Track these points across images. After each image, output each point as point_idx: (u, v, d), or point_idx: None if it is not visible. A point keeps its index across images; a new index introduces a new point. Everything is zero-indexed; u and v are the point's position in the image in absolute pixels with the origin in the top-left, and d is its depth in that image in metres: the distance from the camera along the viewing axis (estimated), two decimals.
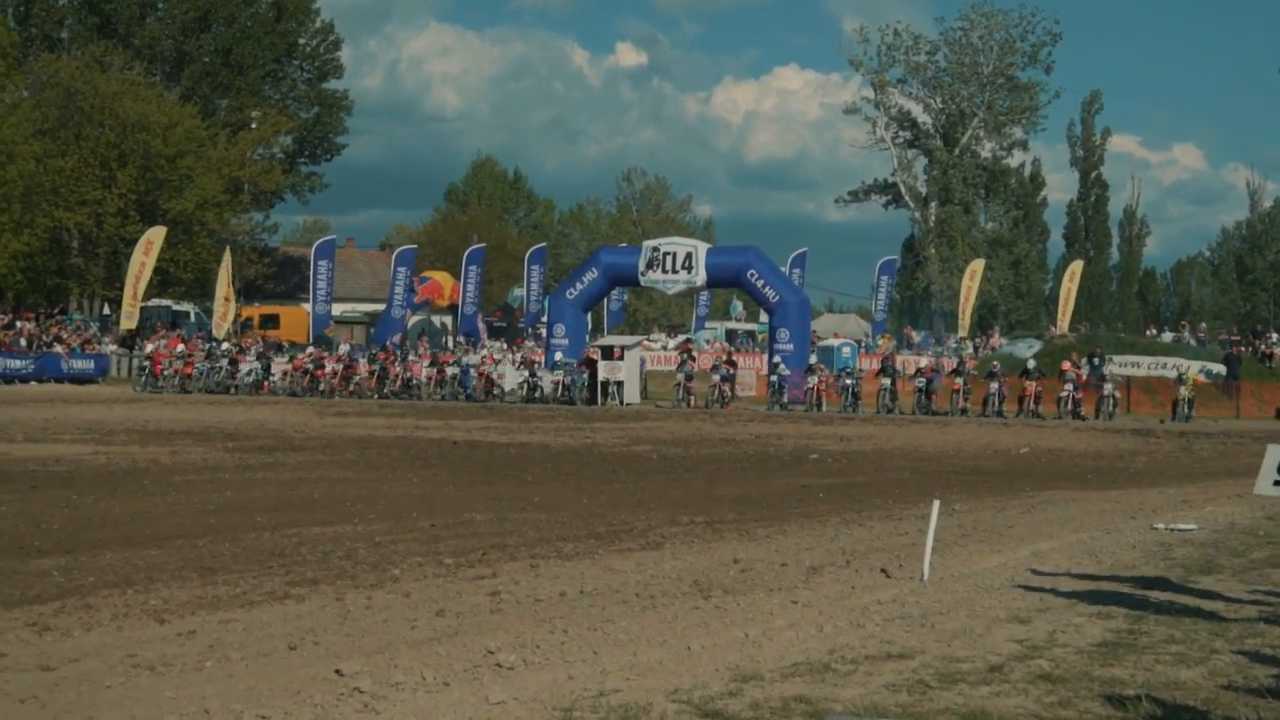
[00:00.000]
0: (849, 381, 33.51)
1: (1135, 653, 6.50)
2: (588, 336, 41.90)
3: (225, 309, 46.73)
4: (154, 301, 49.74)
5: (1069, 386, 31.24)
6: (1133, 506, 13.56)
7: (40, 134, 47.43)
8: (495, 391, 36.51)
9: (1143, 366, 39.47)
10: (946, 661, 6.28)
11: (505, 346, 46.68)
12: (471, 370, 37.25)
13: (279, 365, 38.95)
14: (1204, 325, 55.38)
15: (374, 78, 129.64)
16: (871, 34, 65.47)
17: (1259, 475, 7.76)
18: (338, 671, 6.03)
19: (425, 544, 10.40)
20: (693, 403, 34.35)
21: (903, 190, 65.30)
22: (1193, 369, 36.69)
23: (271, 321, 53.49)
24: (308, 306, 50.63)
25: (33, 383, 39.07)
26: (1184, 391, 31.67)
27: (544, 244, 61.90)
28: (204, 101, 57.22)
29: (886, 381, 33.06)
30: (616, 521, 12.05)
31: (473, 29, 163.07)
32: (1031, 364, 33.39)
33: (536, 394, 35.80)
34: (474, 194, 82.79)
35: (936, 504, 9.04)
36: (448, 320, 56.92)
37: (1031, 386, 31.30)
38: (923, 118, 66.06)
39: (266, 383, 37.68)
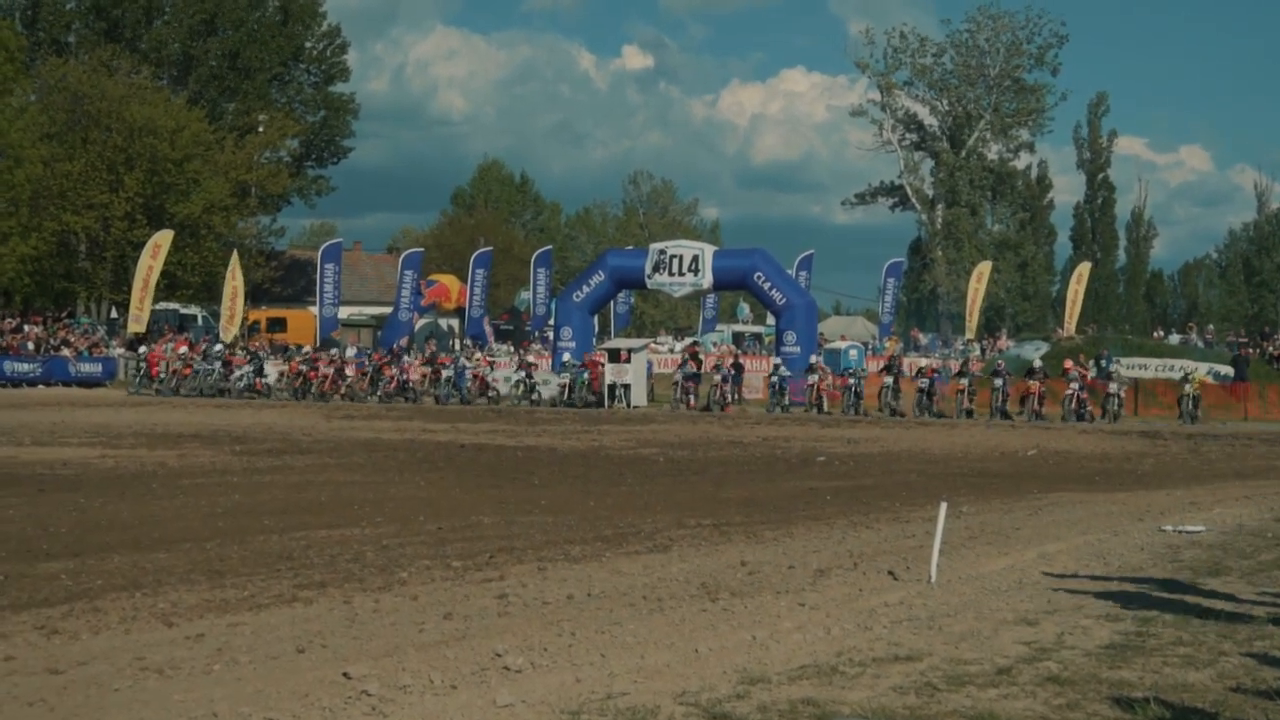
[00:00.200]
0: (851, 382, 33.48)
1: (1143, 655, 6.49)
2: (595, 339, 41.94)
3: (232, 312, 46.79)
4: (161, 305, 49.83)
5: (1074, 386, 31.20)
6: (1140, 508, 13.53)
7: (48, 138, 47.54)
8: (490, 393, 36.33)
9: (1150, 369, 39.42)
10: (954, 664, 6.27)
11: (512, 349, 46.71)
12: (466, 372, 37.10)
13: (275, 366, 38.87)
14: (1211, 327, 55.33)
15: (380, 81, 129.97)
16: (877, 36, 65.54)
17: None
18: (345, 674, 6.03)
19: (433, 547, 10.40)
20: (692, 403, 34.36)
21: (909, 192, 65.24)
22: (1200, 370, 36.62)
23: (279, 325, 53.59)
24: (315, 310, 50.71)
25: (40, 386, 39.20)
26: (1188, 389, 31.59)
27: (550, 247, 62.02)
28: (211, 105, 57.29)
29: (889, 380, 33.04)
30: (624, 524, 12.04)
31: (479, 32, 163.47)
32: (1037, 363, 33.40)
33: (534, 395, 35.61)
34: (481, 197, 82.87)
35: (944, 506, 9.03)
36: (454, 323, 57.03)
37: (1035, 386, 31.29)
38: (929, 120, 66.05)
39: (260, 382, 37.60)
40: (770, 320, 45.10)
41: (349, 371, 37.70)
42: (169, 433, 23.57)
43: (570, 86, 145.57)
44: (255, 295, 56.99)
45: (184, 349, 39.75)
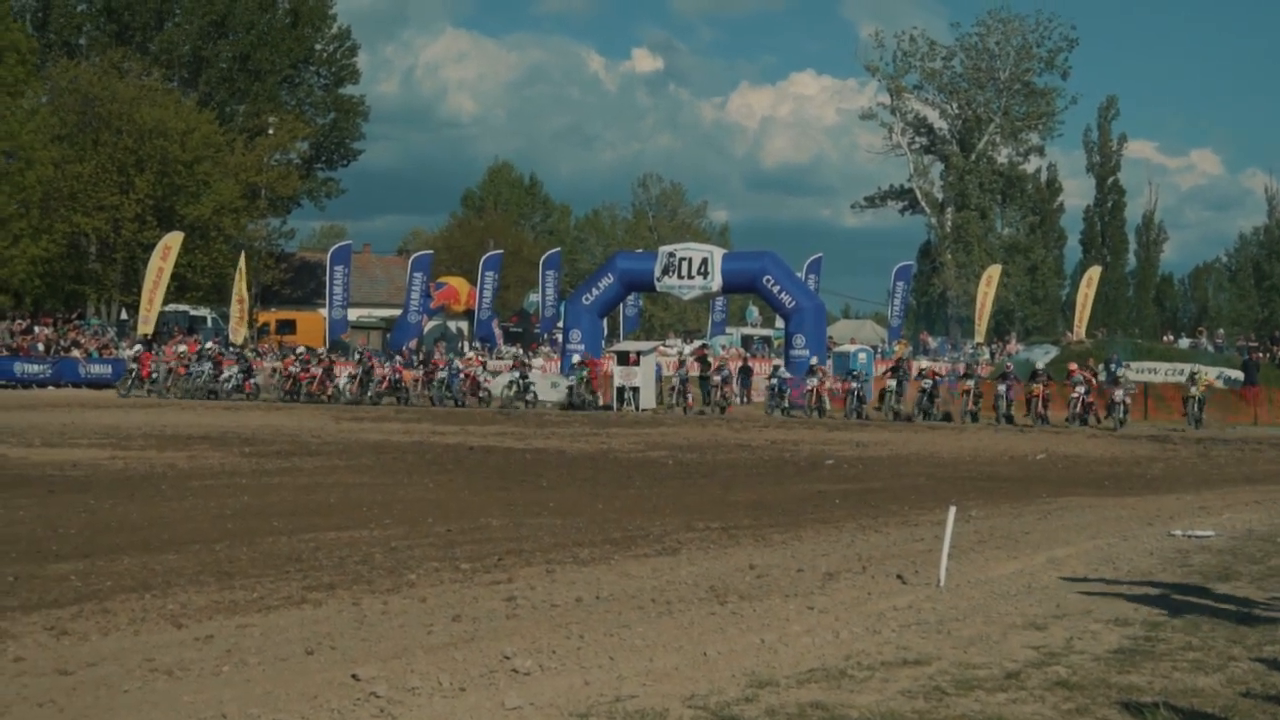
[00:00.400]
0: (855, 385, 33.43)
1: (1153, 659, 6.48)
2: (604, 342, 41.95)
3: (241, 314, 46.87)
4: (171, 306, 49.93)
5: (1079, 389, 31.14)
6: (1150, 513, 13.50)
7: (58, 140, 47.62)
8: (481, 394, 36.19)
9: (1160, 373, 39.32)
10: (963, 668, 6.27)
11: (522, 352, 46.73)
12: (460, 372, 37.00)
13: (267, 365, 38.81)
14: (1221, 331, 55.16)
15: (391, 83, 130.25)
16: (888, 40, 65.43)
17: None
18: (354, 676, 6.04)
19: (441, 549, 10.41)
20: (691, 402, 34.36)
21: (919, 196, 65.15)
22: (1209, 374, 36.51)
23: (288, 327, 53.69)
24: (324, 312, 50.79)
25: (50, 387, 39.28)
26: (1194, 390, 31.47)
27: (559, 249, 62.02)
28: (221, 107, 57.41)
29: (892, 383, 33.02)
30: (632, 527, 12.05)
31: (489, 35, 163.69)
32: (1040, 367, 33.36)
33: (528, 397, 35.39)
34: (490, 199, 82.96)
35: (953, 510, 9.02)
36: (464, 326, 57.05)
37: (1040, 389, 31.23)
38: (939, 123, 65.94)
39: (249, 383, 37.55)
40: (779, 323, 45.11)
41: (337, 371, 37.51)
42: (178, 434, 23.61)
43: (580, 89, 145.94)
44: (265, 297, 57.08)
45: (181, 348, 39.76)
